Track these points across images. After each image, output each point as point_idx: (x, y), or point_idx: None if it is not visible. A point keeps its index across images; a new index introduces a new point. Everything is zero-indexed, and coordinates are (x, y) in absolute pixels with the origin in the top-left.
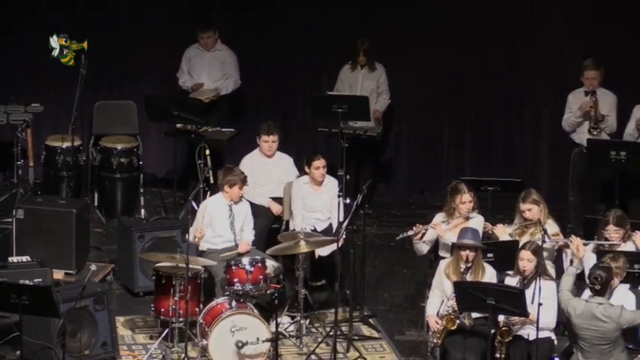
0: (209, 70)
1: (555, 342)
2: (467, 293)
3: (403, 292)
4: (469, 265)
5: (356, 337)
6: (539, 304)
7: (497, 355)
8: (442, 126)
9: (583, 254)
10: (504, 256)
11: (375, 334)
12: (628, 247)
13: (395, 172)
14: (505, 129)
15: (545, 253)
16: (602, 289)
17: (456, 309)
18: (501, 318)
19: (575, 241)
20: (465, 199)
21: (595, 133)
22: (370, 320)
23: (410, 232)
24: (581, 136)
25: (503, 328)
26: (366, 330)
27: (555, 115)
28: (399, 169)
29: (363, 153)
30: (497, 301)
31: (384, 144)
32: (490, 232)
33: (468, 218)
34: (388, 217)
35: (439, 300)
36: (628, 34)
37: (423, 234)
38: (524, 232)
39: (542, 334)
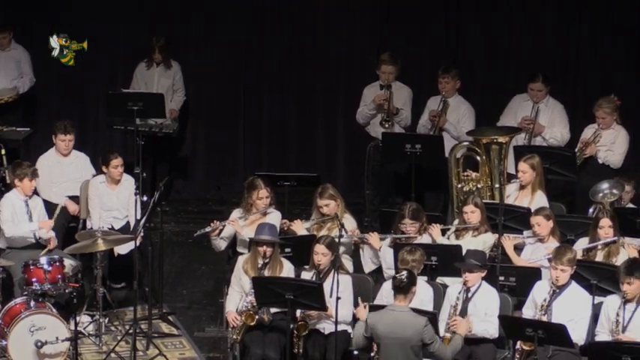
0: (5, 70)
1: (352, 335)
2: (265, 289)
3: (202, 288)
4: (267, 260)
5: (155, 335)
6: (338, 298)
7: (295, 350)
8: (238, 123)
9: (380, 247)
10: (302, 250)
11: (175, 331)
12: (424, 239)
13: (192, 168)
14: (300, 124)
15: (342, 248)
16: (405, 290)
17: (255, 304)
18: (298, 312)
19: (372, 236)
20: (262, 195)
21: (387, 125)
22: (169, 317)
23: (207, 229)
24: (377, 130)
25: (300, 323)
26: (165, 327)
27: (350, 110)
28: (195, 165)
29: (160, 150)
30: (296, 296)
31: (180, 141)
32: (287, 227)
33: (265, 214)
34: (185, 214)
35: (238, 296)
36: (422, 28)
37: (221, 230)
38: (321, 227)
39: (339, 328)
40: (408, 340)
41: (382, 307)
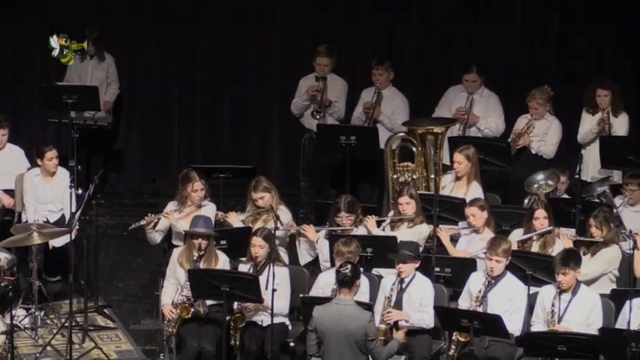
0: None
1: (290, 327)
2: (201, 281)
3: (137, 281)
4: (202, 253)
5: (91, 328)
6: (274, 290)
7: (232, 342)
8: (173, 114)
9: (317, 240)
10: (237, 243)
11: (111, 324)
12: (360, 231)
13: (127, 161)
14: (235, 115)
15: (278, 240)
16: (349, 283)
17: (190, 297)
18: (234, 304)
19: (309, 228)
20: (197, 187)
21: (318, 117)
22: (105, 310)
23: (142, 222)
24: (311, 121)
25: (237, 315)
26: (101, 320)
27: (286, 102)
28: (130, 158)
29: (94, 143)
30: (232, 288)
31: (115, 134)
32: (223, 219)
33: (200, 206)
34: (120, 207)
35: (174, 288)
36: (356, 20)
37: (156, 223)
38: (257, 219)
39: (276, 320)
40: (352, 334)
41: (327, 299)
